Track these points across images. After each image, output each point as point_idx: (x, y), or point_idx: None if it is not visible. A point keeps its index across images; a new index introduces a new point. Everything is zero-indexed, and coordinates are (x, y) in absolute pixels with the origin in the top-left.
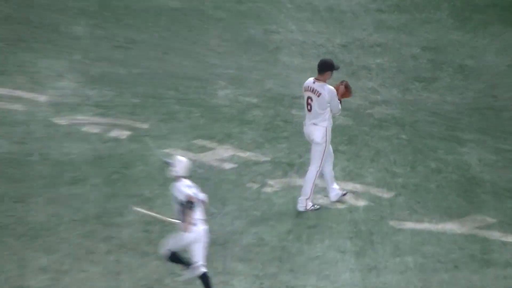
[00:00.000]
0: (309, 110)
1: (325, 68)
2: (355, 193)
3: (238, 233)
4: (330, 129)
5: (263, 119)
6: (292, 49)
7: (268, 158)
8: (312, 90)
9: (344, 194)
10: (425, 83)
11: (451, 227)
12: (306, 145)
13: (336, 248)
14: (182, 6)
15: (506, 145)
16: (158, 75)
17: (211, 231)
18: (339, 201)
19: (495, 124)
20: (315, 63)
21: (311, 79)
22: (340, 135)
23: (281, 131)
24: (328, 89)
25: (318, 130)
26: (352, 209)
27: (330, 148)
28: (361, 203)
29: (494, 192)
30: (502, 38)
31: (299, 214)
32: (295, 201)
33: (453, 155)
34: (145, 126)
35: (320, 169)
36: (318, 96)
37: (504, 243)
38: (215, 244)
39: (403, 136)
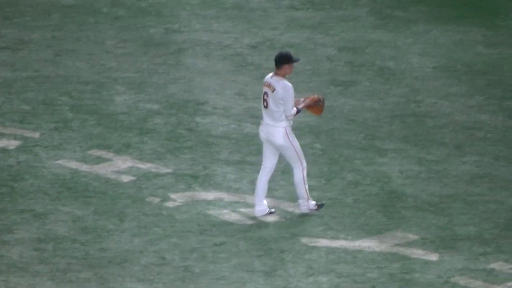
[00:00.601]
0: (265, 107)
1: (282, 61)
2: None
3: (138, 252)
4: (290, 129)
5: (165, 127)
6: (196, 50)
7: (170, 170)
8: (269, 85)
9: (271, 213)
10: (342, 87)
11: (369, 244)
12: (212, 155)
13: (244, 268)
14: (76, 3)
15: (430, 155)
16: (49, 79)
17: (107, 249)
18: (262, 218)
19: (418, 132)
20: (221, 66)
21: (270, 74)
22: (248, 145)
23: (184, 140)
24: (283, 85)
25: (276, 132)
26: (261, 225)
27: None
28: (271, 218)
29: (416, 206)
30: (427, 37)
31: (203, 231)
32: (199, 217)
33: (372, 166)
34: (35, 135)
35: (305, 165)
36: (273, 91)
37: (426, 262)
38: (112, 263)
39: (318, 146)
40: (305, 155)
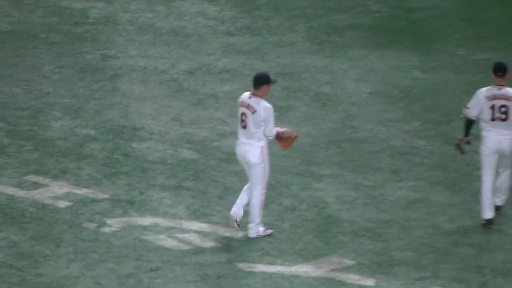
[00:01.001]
0: (244, 127)
1: (260, 81)
2: (201, 233)
3: (74, 277)
4: (267, 150)
5: (101, 153)
6: (132, 76)
7: (106, 196)
8: (247, 106)
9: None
10: (279, 112)
11: (305, 269)
12: (148, 180)
13: None
14: (12, 29)
15: (367, 180)
16: None
17: (44, 274)
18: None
19: (355, 158)
20: (157, 91)
21: (247, 94)
22: (185, 171)
23: (120, 166)
24: (264, 107)
25: (253, 150)
26: (197, 250)
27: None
28: (208, 244)
29: (353, 232)
30: (363, 63)
31: (139, 256)
32: (135, 242)
33: (309, 192)
34: None
35: (265, 191)
36: (253, 113)
37: (362, 287)
38: None
39: None
40: (241, 181)
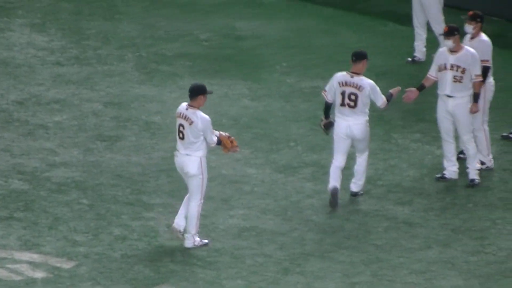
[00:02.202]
0: (181, 138)
1: (196, 92)
2: (32, 264)
3: None
4: (205, 160)
5: None
6: None
7: None
8: (184, 117)
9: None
10: (109, 142)
11: None
12: None
13: None
14: None
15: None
16: None
17: None
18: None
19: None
20: None
21: (184, 105)
22: (15, 201)
23: None
24: (201, 117)
25: (191, 161)
26: (29, 281)
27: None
28: (39, 274)
29: (184, 261)
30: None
31: None
32: None
33: (139, 221)
34: None
35: (202, 201)
36: (190, 124)
37: None
38: None
39: (85, 201)
40: (72, 211)
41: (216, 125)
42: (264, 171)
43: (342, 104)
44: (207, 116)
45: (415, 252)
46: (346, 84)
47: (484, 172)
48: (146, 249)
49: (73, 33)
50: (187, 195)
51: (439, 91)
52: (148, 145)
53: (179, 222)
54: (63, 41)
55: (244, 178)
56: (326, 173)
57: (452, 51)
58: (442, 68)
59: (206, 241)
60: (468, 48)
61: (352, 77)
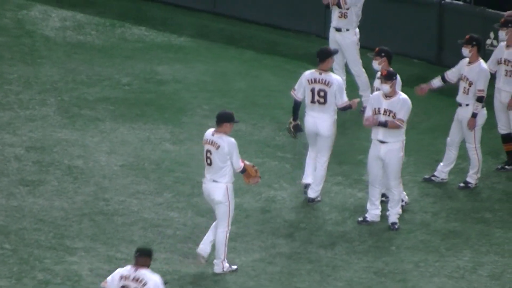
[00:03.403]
0: (209, 164)
1: (223, 119)
2: None
3: None
4: (232, 186)
5: None
6: None
7: None
8: (211, 143)
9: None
10: (31, 187)
11: None
12: None
13: None
14: None
15: (119, 253)
16: None
17: None
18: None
19: (107, 231)
20: None
21: (210, 131)
22: None
23: None
24: (228, 141)
25: (218, 188)
26: None
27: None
28: None
29: None
30: (114, 135)
31: None
32: None
33: (62, 265)
34: None
35: (230, 228)
36: (217, 148)
37: None
38: None
39: (7, 246)
40: None
41: (138, 169)
42: (186, 215)
43: (312, 101)
44: (233, 139)
45: None
46: (315, 81)
47: (406, 215)
48: None
49: None
50: (214, 222)
51: (372, 136)
52: (71, 189)
53: (204, 248)
54: None
55: (166, 221)
56: (249, 216)
57: (387, 96)
58: (375, 112)
59: (235, 267)
60: (400, 94)
61: (320, 73)
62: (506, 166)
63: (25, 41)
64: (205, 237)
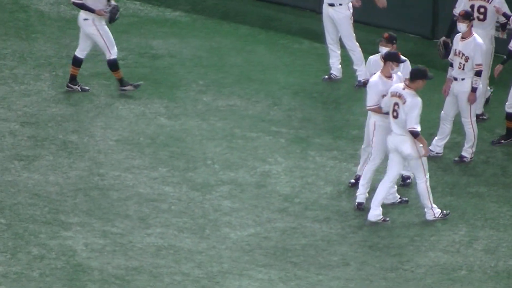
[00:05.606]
0: (395, 117)
1: (416, 76)
2: None
3: None
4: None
5: None
6: None
7: None
8: (400, 96)
9: (385, 220)
10: (25, 161)
11: None
12: None
13: None
14: None
15: (115, 227)
16: None
17: None
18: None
19: (102, 206)
20: None
21: (401, 85)
22: None
23: None
24: (413, 99)
25: (405, 142)
26: None
27: None
28: None
29: (103, 279)
30: (109, 110)
31: None
32: None
33: (57, 240)
34: None
35: (428, 176)
36: (404, 103)
37: None
38: None
39: (2, 221)
40: None
41: (133, 143)
42: (181, 190)
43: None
44: (419, 99)
45: (333, 270)
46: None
47: (402, 189)
48: (64, 268)
49: None
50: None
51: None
52: (66, 164)
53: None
54: None
55: (161, 196)
56: (243, 191)
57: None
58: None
59: (446, 212)
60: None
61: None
62: (502, 141)
63: (20, 16)
64: (373, 199)
